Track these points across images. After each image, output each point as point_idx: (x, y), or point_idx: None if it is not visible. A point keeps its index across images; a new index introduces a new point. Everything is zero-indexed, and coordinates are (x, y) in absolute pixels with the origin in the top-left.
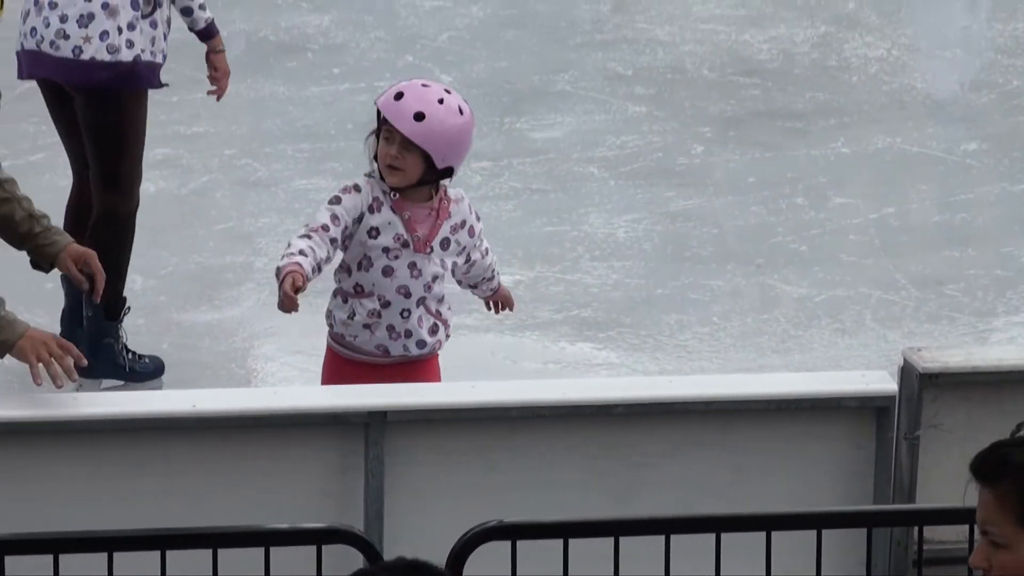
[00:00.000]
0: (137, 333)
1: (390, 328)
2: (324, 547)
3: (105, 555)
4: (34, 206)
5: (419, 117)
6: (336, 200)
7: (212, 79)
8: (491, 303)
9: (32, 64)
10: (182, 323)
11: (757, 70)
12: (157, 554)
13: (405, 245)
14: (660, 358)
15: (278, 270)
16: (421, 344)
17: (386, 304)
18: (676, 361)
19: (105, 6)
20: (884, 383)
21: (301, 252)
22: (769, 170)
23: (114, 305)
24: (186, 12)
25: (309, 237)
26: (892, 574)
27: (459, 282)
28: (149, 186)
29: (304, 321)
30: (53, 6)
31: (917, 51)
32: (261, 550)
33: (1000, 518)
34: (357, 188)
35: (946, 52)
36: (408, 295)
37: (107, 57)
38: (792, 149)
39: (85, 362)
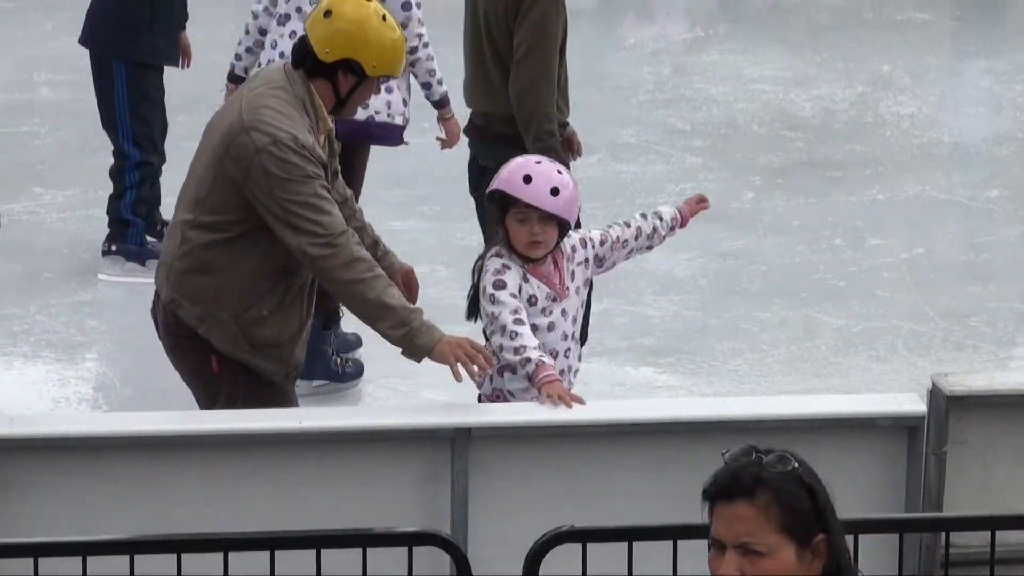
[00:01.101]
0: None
1: (562, 372)
2: (415, 549)
3: (221, 555)
4: (375, 231)
5: (555, 192)
6: (502, 284)
7: (444, 140)
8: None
9: None
10: None
11: (801, 125)
12: (267, 553)
13: (554, 300)
14: (714, 381)
15: (530, 364)
16: (576, 373)
17: (555, 354)
18: (729, 384)
19: None
20: (915, 404)
21: (538, 347)
22: (812, 214)
23: (330, 317)
24: (425, 86)
25: (523, 323)
26: (921, 575)
27: None
28: None
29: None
30: None
31: (944, 109)
32: (359, 551)
33: (762, 528)
34: (507, 267)
35: (970, 109)
36: (567, 337)
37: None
38: (832, 196)
39: (495, 362)
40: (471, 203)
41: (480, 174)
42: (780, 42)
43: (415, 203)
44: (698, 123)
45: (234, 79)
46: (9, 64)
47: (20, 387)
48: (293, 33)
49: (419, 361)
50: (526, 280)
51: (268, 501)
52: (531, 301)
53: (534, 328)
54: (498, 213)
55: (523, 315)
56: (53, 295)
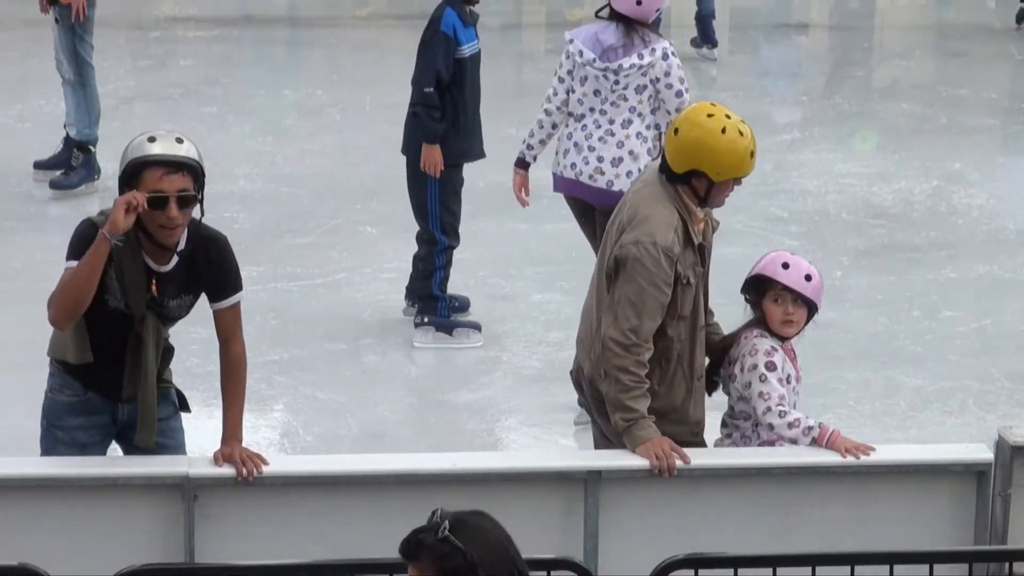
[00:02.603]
0: (410, 410)
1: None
2: (553, 573)
3: None
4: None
5: (808, 278)
6: (773, 367)
7: None
8: None
9: (569, 187)
10: (447, 402)
11: (884, 214)
12: None
13: (798, 381)
14: None
15: (812, 431)
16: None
17: None
18: None
19: (631, 153)
20: (983, 453)
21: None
22: (893, 290)
23: None
24: None
25: (784, 405)
26: None
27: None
28: None
29: (541, 403)
30: (592, 149)
31: (1009, 200)
32: None
33: None
34: (776, 348)
35: None
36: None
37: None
38: (910, 274)
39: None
40: None
41: None
42: (866, 143)
43: (555, 278)
44: (795, 212)
45: (522, 165)
46: (213, 160)
47: (219, 433)
48: (585, 126)
49: (632, 450)
50: (786, 361)
51: None
52: (787, 379)
53: (792, 405)
54: (754, 297)
55: (785, 402)
56: (247, 354)
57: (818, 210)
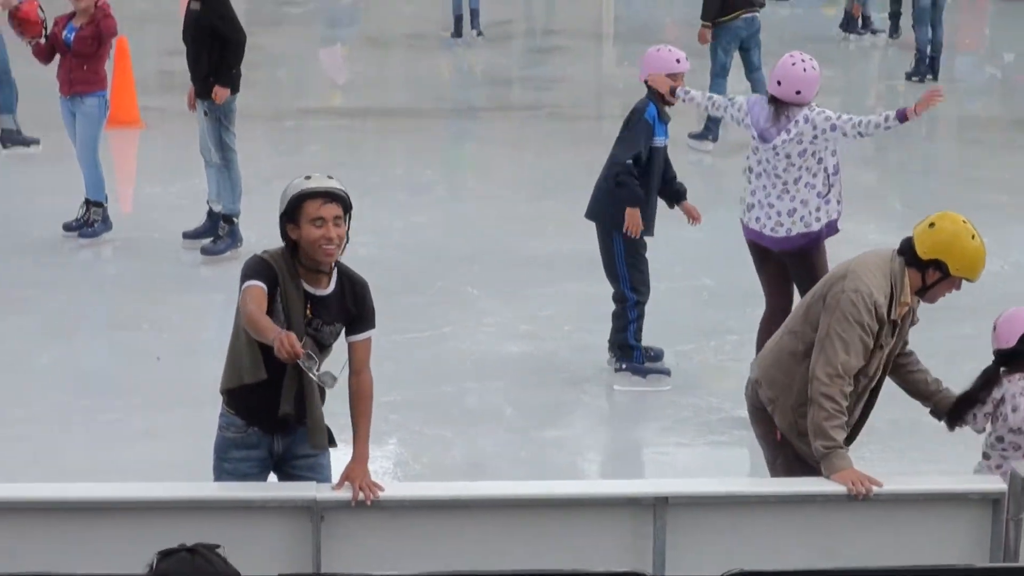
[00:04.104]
0: (505, 444)
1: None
2: None
3: None
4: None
5: None
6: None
7: None
8: None
9: (755, 236)
10: (537, 437)
11: None
12: None
13: None
14: None
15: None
16: None
17: None
18: (857, 466)
19: (803, 202)
20: (998, 483)
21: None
22: (917, 344)
23: None
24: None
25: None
26: None
27: None
28: (513, 346)
29: (616, 438)
30: (771, 206)
31: (1020, 266)
32: None
33: None
34: (998, 383)
35: None
36: None
37: (803, 230)
38: (932, 331)
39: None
40: (668, 321)
41: None
42: (890, 218)
43: None
44: None
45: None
46: None
47: (340, 462)
48: (764, 186)
49: (827, 476)
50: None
51: (515, 548)
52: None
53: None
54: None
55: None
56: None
57: None
